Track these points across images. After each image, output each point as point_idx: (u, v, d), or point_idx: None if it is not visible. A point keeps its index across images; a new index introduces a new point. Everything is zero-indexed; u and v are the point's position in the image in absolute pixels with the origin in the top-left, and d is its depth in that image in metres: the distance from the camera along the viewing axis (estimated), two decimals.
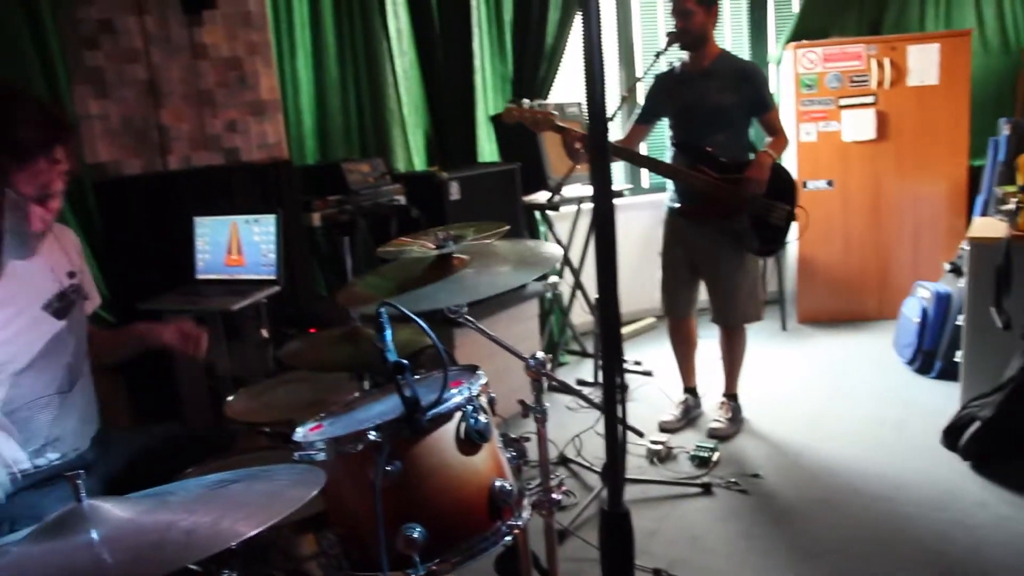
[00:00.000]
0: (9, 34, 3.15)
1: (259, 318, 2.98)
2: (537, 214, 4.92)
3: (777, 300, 5.44)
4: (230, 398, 2.51)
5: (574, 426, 3.88)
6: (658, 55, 3.54)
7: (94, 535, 1.08)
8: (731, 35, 5.76)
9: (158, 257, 3.26)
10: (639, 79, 3.57)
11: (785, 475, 3.38)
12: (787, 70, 5.43)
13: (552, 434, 1.98)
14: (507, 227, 2.19)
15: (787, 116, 5.40)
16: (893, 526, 2.94)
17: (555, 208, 4.62)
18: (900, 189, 5.24)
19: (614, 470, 1.10)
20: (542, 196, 4.63)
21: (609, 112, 3.27)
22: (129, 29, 3.24)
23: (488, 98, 4.89)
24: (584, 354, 5.10)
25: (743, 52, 5.67)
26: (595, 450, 3.64)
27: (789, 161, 5.43)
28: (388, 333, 1.52)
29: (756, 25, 5.73)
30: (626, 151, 3.71)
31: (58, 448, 2.06)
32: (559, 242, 4.86)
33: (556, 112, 3.56)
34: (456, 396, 1.59)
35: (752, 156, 3.61)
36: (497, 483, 1.63)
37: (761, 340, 5.06)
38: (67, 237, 2.25)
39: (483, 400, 1.67)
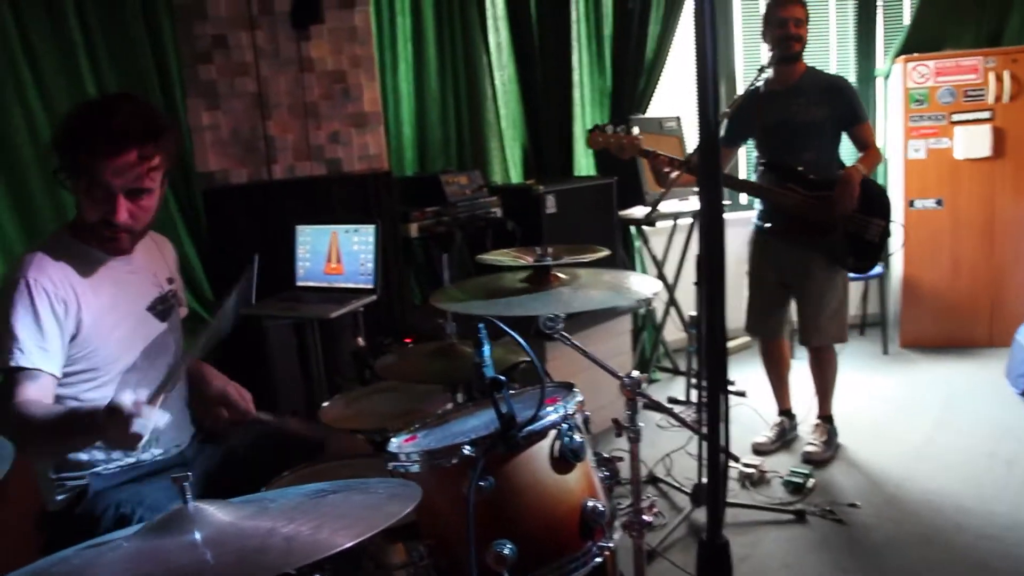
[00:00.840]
0: (134, 50, 3.32)
1: (355, 326, 3.02)
2: (632, 229, 4.87)
3: (878, 323, 5.26)
4: (325, 404, 2.55)
5: (665, 444, 3.82)
6: (762, 69, 3.47)
7: (197, 536, 1.10)
8: (836, 48, 5.59)
9: (261, 263, 3.34)
10: (740, 97, 3.49)
11: (884, 507, 3.25)
12: (895, 85, 5.24)
13: (642, 452, 1.95)
14: (607, 252, 2.17)
15: (894, 132, 5.23)
16: (1000, 568, 2.79)
17: (651, 224, 4.56)
18: (1017, 209, 4.98)
19: (715, 499, 1.06)
20: (638, 211, 4.59)
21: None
22: (241, 44, 3.34)
23: (586, 112, 4.88)
24: (676, 371, 5.02)
25: (848, 66, 5.51)
26: (685, 470, 3.58)
27: (895, 178, 5.24)
28: (487, 349, 1.52)
29: (863, 38, 5.52)
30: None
31: (160, 444, 2.14)
32: (654, 258, 4.81)
33: (641, 137, 3.48)
34: (552, 414, 1.58)
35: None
36: (589, 503, 1.61)
37: (860, 364, 4.89)
38: (166, 246, 2.34)
39: (578, 419, 1.65)
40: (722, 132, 3.72)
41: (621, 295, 2.04)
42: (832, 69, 5.35)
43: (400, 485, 1.28)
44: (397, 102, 4.22)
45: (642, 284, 2.10)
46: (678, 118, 4.84)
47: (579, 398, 1.68)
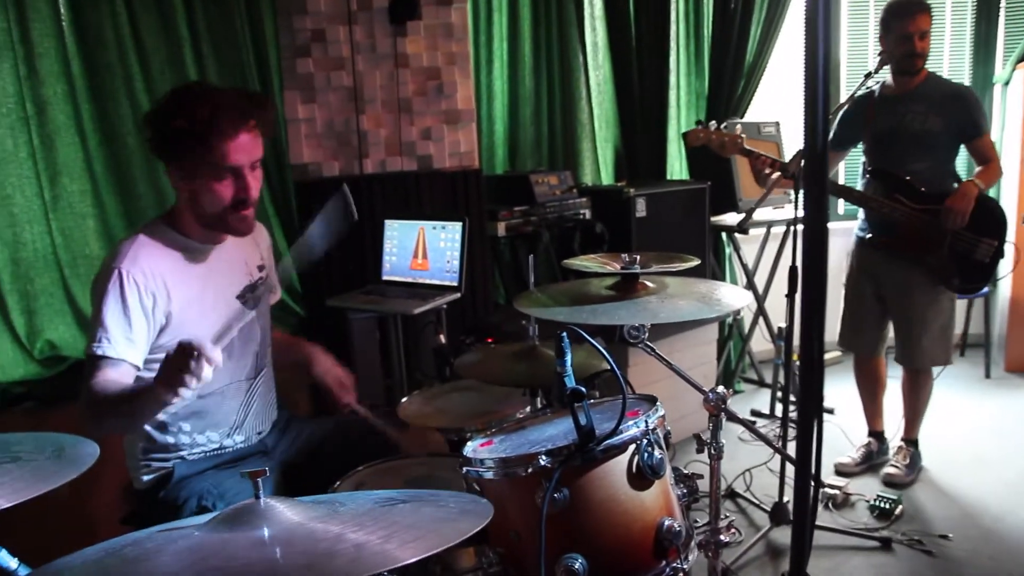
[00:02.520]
0: (236, 44, 3.40)
1: (438, 323, 3.03)
2: (724, 235, 4.77)
3: (981, 344, 5.01)
4: (404, 399, 2.56)
5: (745, 459, 3.71)
6: (867, 76, 3.31)
7: (266, 533, 1.10)
8: (949, 52, 5.33)
9: (349, 256, 3.38)
10: (844, 104, 3.36)
11: (979, 541, 3.08)
12: (1016, 92, 4.97)
13: (721, 464, 1.89)
14: (696, 261, 2.11)
15: (1011, 143, 4.96)
16: None
17: (744, 231, 4.46)
18: None
19: (801, 532, 1.01)
20: (730, 218, 4.48)
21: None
22: (338, 38, 3.38)
23: (681, 115, 4.80)
24: (761, 384, 4.89)
25: (963, 71, 5.25)
26: (766, 487, 3.47)
27: (1009, 192, 4.98)
28: (568, 358, 1.48)
29: (981, 42, 5.24)
30: None
31: (243, 432, 2.18)
32: (744, 266, 4.69)
33: (743, 136, 3.39)
34: (632, 428, 1.53)
35: (956, 187, 3.33)
36: (666, 522, 1.56)
37: (960, 387, 4.67)
38: (260, 232, 2.36)
39: (659, 434, 1.60)
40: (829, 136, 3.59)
41: (710, 307, 1.97)
42: (944, 74, 5.11)
43: (472, 501, 1.25)
44: (490, 100, 4.22)
45: (732, 296, 2.03)
46: (777, 123, 4.70)
47: (661, 412, 1.63)
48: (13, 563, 1.47)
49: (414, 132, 3.51)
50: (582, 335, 1.48)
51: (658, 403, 1.67)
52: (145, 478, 2.09)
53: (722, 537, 1.85)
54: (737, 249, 4.72)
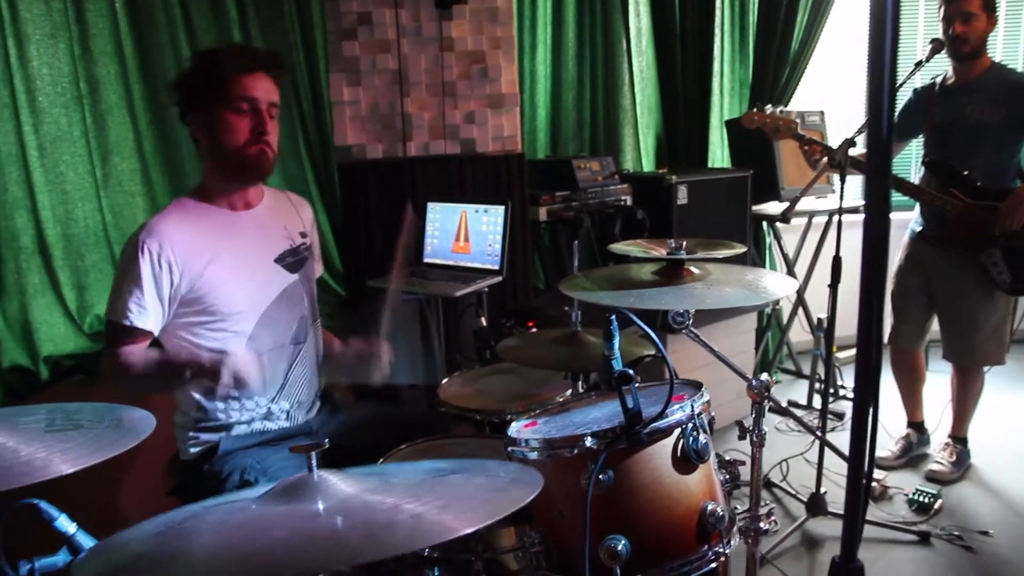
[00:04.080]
0: (283, 26, 3.43)
1: (479, 306, 3.04)
2: (764, 224, 4.73)
3: None
4: (444, 381, 2.58)
5: (782, 449, 3.69)
6: (918, 65, 3.25)
7: (321, 505, 1.12)
8: (1003, 41, 5.21)
9: (391, 238, 3.39)
10: (912, 92, 3.31)
11: (1021, 539, 3.04)
12: None
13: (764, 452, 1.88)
14: (742, 248, 2.10)
15: None
16: None
17: (787, 221, 4.42)
18: None
19: (853, 521, 1.01)
20: (771, 207, 4.45)
21: (858, 123, 3.08)
22: (384, 21, 3.39)
23: (724, 102, 4.77)
24: (799, 374, 4.86)
25: (1017, 61, 5.15)
26: (802, 477, 3.45)
27: None
28: (616, 341, 1.49)
29: None
30: (864, 164, 3.46)
31: (287, 397, 2.21)
32: (785, 256, 4.66)
33: (799, 120, 3.38)
34: (678, 412, 1.54)
35: (1019, 183, 3.26)
36: (709, 506, 1.56)
37: (1012, 385, 4.59)
38: (303, 206, 2.41)
39: (704, 419, 1.61)
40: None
41: (755, 295, 1.97)
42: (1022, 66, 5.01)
43: (521, 470, 1.26)
44: (533, 84, 4.22)
45: (777, 284, 2.03)
46: (821, 112, 4.64)
47: (706, 398, 1.64)
48: (72, 528, 1.52)
49: (458, 116, 3.52)
50: (632, 319, 1.48)
51: (703, 388, 1.67)
52: (192, 450, 2.14)
53: (762, 524, 1.85)
54: (778, 238, 4.69)
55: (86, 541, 1.50)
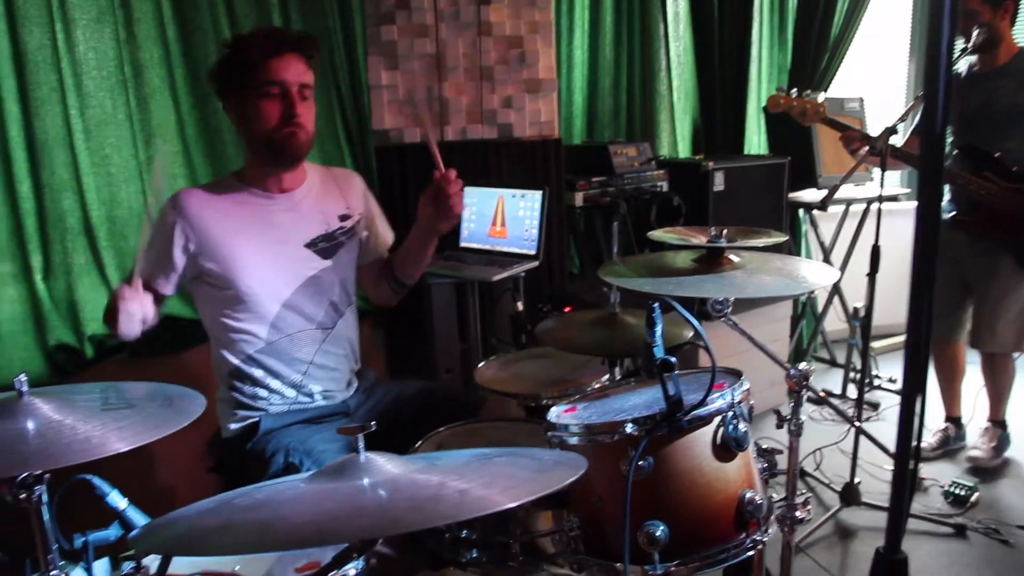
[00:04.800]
0: (323, 9, 3.45)
1: (515, 290, 3.06)
2: (800, 212, 4.70)
3: None
4: (481, 364, 2.60)
5: (815, 438, 3.68)
6: (963, 51, 3.22)
7: (366, 482, 1.14)
8: None
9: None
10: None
11: None
12: None
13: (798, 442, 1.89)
14: (783, 237, 2.09)
15: None
16: None
17: (824, 208, 4.38)
18: None
19: (898, 511, 1.01)
20: (808, 194, 4.42)
21: (898, 111, 3.04)
22: (422, 6, 3.40)
23: (762, 88, 4.73)
24: (833, 363, 4.84)
25: None
26: (836, 467, 3.45)
27: None
28: (659, 328, 1.50)
29: None
30: (906, 154, 3.42)
31: (318, 381, 2.23)
32: (821, 244, 4.63)
33: (825, 104, 3.34)
34: (719, 400, 1.55)
35: None
36: (748, 494, 1.57)
37: None
38: (349, 181, 2.40)
39: (744, 408, 1.61)
40: (916, 118, 3.49)
41: (796, 284, 1.96)
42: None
43: (564, 455, 1.28)
44: (570, 69, 4.21)
45: (817, 274, 2.02)
46: (861, 99, 4.59)
47: (746, 386, 1.64)
48: (123, 503, 1.56)
49: (495, 100, 3.52)
50: (676, 307, 1.49)
51: (743, 377, 1.68)
52: (232, 427, 2.18)
53: (798, 513, 1.86)
54: (815, 226, 4.66)
55: (136, 516, 1.55)
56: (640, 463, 1.48)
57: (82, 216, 2.97)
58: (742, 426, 1.57)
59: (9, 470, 1.19)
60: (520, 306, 2.93)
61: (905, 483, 0.98)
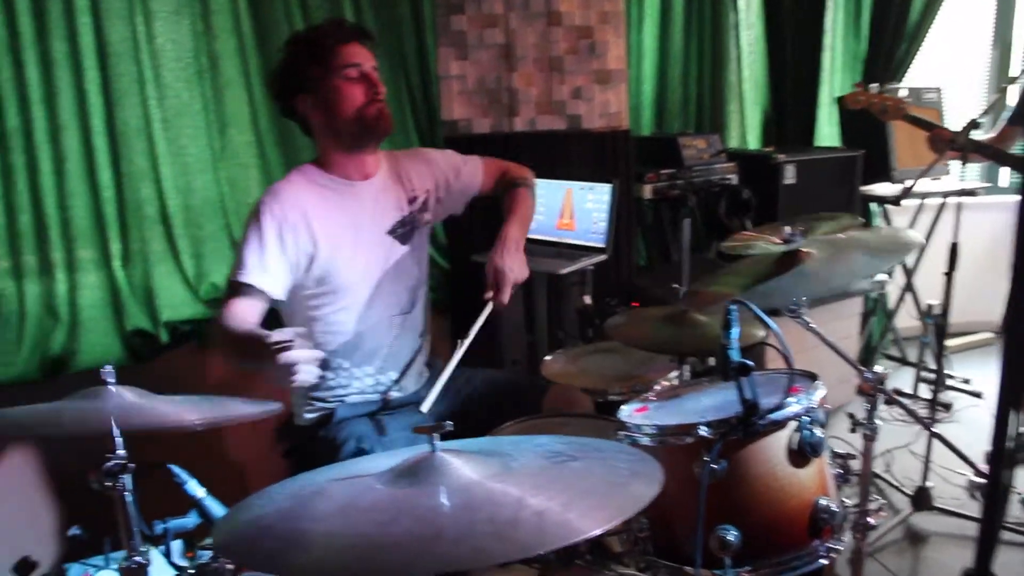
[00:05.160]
0: (392, 0, 3.48)
1: (583, 284, 3.05)
2: (872, 206, 4.58)
3: None
4: (548, 357, 2.59)
5: (885, 438, 3.58)
6: None
7: (446, 495, 1.13)
8: None
9: (495, 213, 3.41)
10: (1015, 78, 3.14)
11: None
12: None
13: (860, 444, 1.85)
14: (862, 221, 2.04)
15: None
16: None
17: (897, 203, 4.27)
18: None
19: (991, 526, 0.98)
20: (881, 187, 4.30)
21: (979, 102, 2.93)
22: None
23: (835, 78, 4.61)
24: (904, 362, 4.71)
25: None
26: (906, 469, 3.36)
27: None
28: (736, 331, 1.48)
29: None
30: (991, 149, 3.30)
31: (396, 365, 2.26)
32: None
33: (910, 99, 3.24)
34: (795, 405, 1.52)
35: None
36: (822, 501, 1.55)
37: None
38: (414, 157, 2.40)
39: (820, 413, 1.59)
40: (1007, 111, 3.35)
41: (885, 252, 1.91)
42: None
43: (639, 459, 1.27)
44: (640, 59, 4.16)
45: (906, 235, 1.96)
46: (938, 89, 4.45)
47: (823, 391, 1.61)
48: (201, 492, 1.60)
49: (565, 91, 3.50)
50: (755, 312, 1.47)
51: (819, 380, 1.65)
52: (307, 415, 2.21)
53: (870, 520, 1.83)
54: (888, 221, 4.54)
55: (213, 505, 1.58)
56: (714, 466, 1.47)
57: (159, 204, 3.04)
58: (818, 432, 1.54)
59: (93, 426, 1.22)
60: (588, 299, 2.92)
61: (998, 498, 0.94)
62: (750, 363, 1.44)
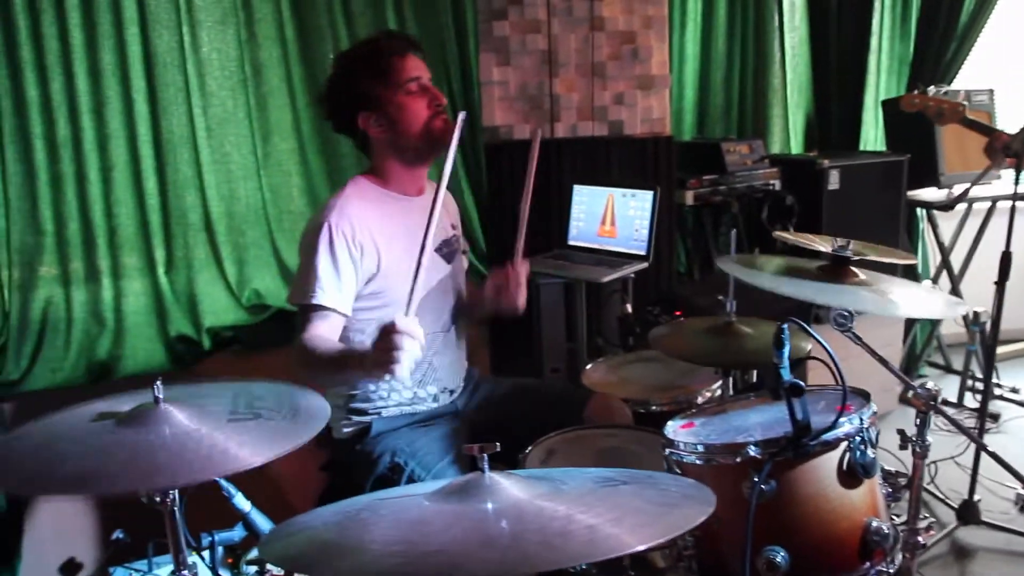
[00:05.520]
0: (436, 6, 3.48)
1: (624, 292, 3.02)
2: (918, 211, 4.49)
3: None
4: (588, 366, 2.58)
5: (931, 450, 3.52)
6: None
7: (493, 508, 1.13)
8: None
9: (535, 220, 3.39)
10: None
11: None
12: None
13: (903, 455, 1.81)
14: (914, 259, 2.01)
15: None
16: None
17: (947, 209, 4.19)
18: None
19: None
20: (927, 192, 4.22)
21: None
22: (535, 1, 3.38)
23: (881, 81, 4.52)
24: (948, 369, 4.61)
25: None
26: (951, 481, 3.27)
27: None
28: (787, 350, 1.45)
29: None
30: None
31: (434, 383, 2.24)
32: (941, 245, 4.41)
33: (966, 104, 3.17)
34: (846, 425, 1.49)
35: None
36: (874, 523, 1.52)
37: None
38: (449, 198, 2.39)
39: (872, 432, 1.55)
40: None
41: (922, 306, 1.88)
42: None
43: (692, 486, 1.25)
44: (682, 63, 4.12)
45: (942, 304, 1.93)
46: (990, 91, 4.34)
47: (874, 409, 1.58)
48: (247, 505, 1.60)
49: (607, 97, 3.47)
50: (807, 330, 1.44)
51: (871, 399, 1.61)
52: (345, 430, 2.20)
53: (920, 539, 1.79)
54: (935, 226, 4.45)
55: (260, 519, 1.59)
56: (763, 487, 1.45)
57: (203, 212, 3.08)
58: (871, 452, 1.52)
59: (148, 483, 1.24)
60: (629, 308, 2.90)
61: None
62: (802, 383, 1.42)
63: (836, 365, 1.48)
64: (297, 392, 1.53)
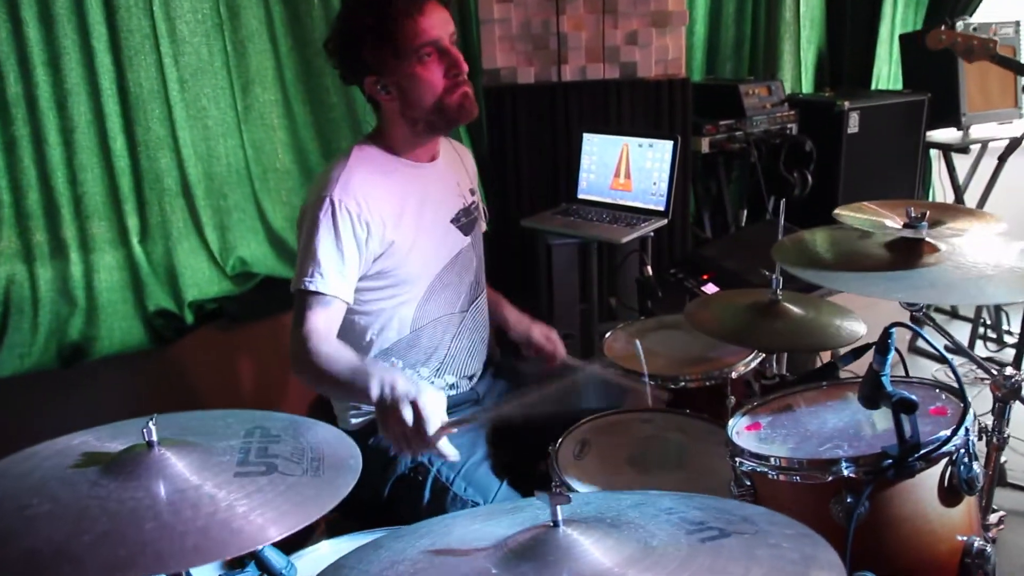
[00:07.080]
0: None
1: (642, 252, 2.80)
2: (933, 152, 4.30)
3: None
4: (607, 335, 2.38)
5: None
6: None
7: None
8: None
9: (542, 172, 3.19)
10: None
11: None
12: None
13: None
14: (1003, 226, 1.79)
15: None
16: None
17: (965, 151, 4.00)
18: None
19: None
20: (944, 133, 4.02)
21: None
22: None
23: (897, 12, 4.32)
24: (955, 315, 4.47)
25: None
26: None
27: None
28: (891, 356, 1.24)
29: None
30: None
31: (452, 371, 2.06)
32: (956, 186, 4.22)
33: (997, 39, 2.96)
34: (955, 439, 1.31)
35: None
36: (976, 543, 1.36)
37: None
38: (467, 156, 2.21)
39: (973, 443, 1.37)
40: None
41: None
42: None
43: (809, 541, 1.03)
44: None
45: None
46: (1016, 23, 4.11)
47: (975, 414, 1.39)
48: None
49: (618, 36, 3.21)
50: (920, 333, 1.23)
51: (970, 403, 1.41)
52: (354, 420, 2.00)
53: (990, 534, 1.63)
54: (951, 169, 4.25)
55: (274, 556, 1.39)
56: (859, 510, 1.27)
57: (179, 174, 2.84)
58: (975, 467, 1.34)
59: (124, 571, 0.96)
60: (649, 270, 2.68)
61: None
62: (914, 399, 1.21)
63: (954, 371, 1.28)
64: (319, 429, 1.30)
